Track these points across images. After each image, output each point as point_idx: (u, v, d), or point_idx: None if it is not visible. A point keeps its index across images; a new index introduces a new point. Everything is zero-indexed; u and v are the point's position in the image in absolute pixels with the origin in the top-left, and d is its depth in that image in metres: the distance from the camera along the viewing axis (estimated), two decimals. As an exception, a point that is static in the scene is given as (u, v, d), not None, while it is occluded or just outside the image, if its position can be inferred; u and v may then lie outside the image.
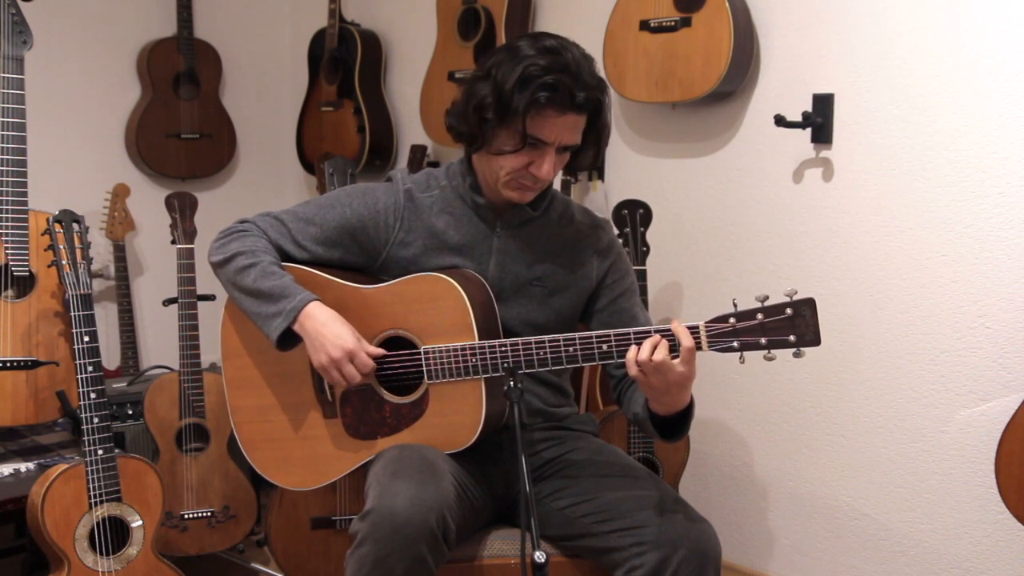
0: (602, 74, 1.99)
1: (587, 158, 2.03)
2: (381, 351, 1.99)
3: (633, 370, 1.80)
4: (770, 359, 1.78)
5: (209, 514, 2.89)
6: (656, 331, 1.81)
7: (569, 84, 1.87)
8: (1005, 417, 2.16)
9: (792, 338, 1.76)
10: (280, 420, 2.10)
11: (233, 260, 2.03)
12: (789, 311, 1.76)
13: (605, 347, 1.85)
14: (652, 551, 1.86)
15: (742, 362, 1.82)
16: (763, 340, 1.77)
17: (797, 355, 1.76)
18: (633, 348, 1.80)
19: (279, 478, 2.13)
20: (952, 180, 2.46)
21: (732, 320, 1.78)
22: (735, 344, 1.78)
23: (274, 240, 2.08)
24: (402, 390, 2.01)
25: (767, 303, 1.77)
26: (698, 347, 1.80)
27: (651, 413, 1.95)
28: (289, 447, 2.10)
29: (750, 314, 1.77)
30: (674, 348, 1.79)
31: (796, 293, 1.76)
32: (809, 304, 1.75)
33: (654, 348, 1.78)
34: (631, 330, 1.84)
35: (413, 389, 2.00)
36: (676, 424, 1.95)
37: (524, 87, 1.88)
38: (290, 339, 1.98)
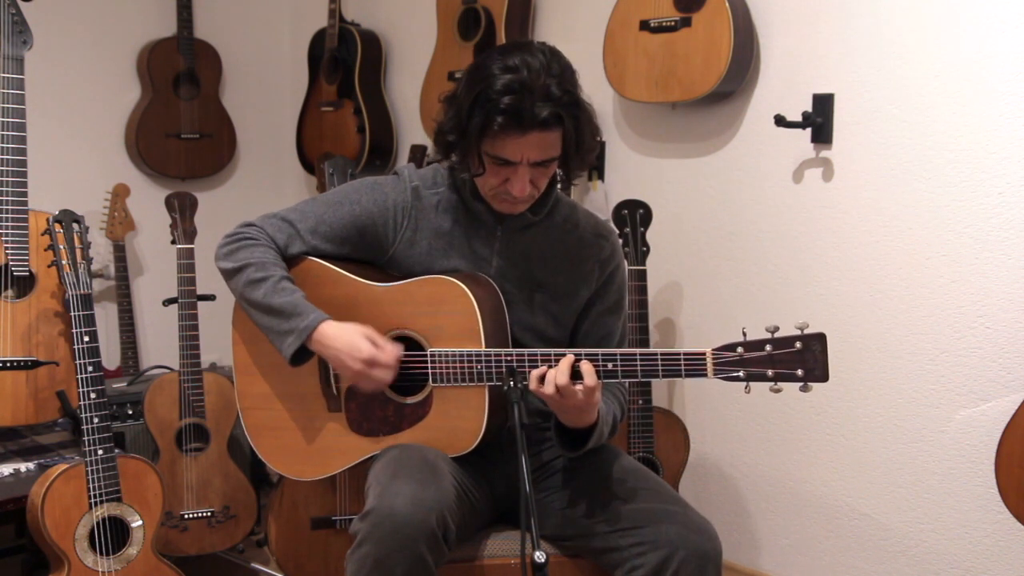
0: (583, 80, 1.93)
1: (575, 166, 1.97)
2: (399, 349, 1.96)
3: (550, 390, 1.82)
4: (776, 391, 1.77)
5: (209, 514, 2.89)
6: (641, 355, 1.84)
7: (528, 104, 1.81)
8: (1005, 417, 2.16)
9: (800, 372, 1.74)
10: (286, 409, 2.11)
11: (243, 271, 2.01)
12: (799, 344, 1.74)
13: (610, 366, 1.85)
14: (652, 551, 1.86)
15: (747, 392, 1.79)
16: (770, 372, 1.76)
17: (804, 389, 1.75)
18: (548, 370, 1.84)
19: (280, 466, 2.14)
20: (952, 180, 2.46)
21: (740, 349, 1.76)
22: (741, 374, 1.77)
23: (282, 244, 2.06)
24: (407, 390, 2.01)
25: (777, 334, 1.75)
26: (703, 374, 1.79)
27: (559, 426, 1.96)
28: (292, 436, 2.10)
29: (758, 344, 1.75)
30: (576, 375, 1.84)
31: (807, 326, 1.74)
32: (819, 339, 1.73)
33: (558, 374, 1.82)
34: (637, 351, 1.84)
35: (417, 390, 2.00)
36: (583, 438, 1.95)
37: (479, 112, 1.85)
38: (303, 355, 1.99)
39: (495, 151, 1.88)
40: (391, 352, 1.94)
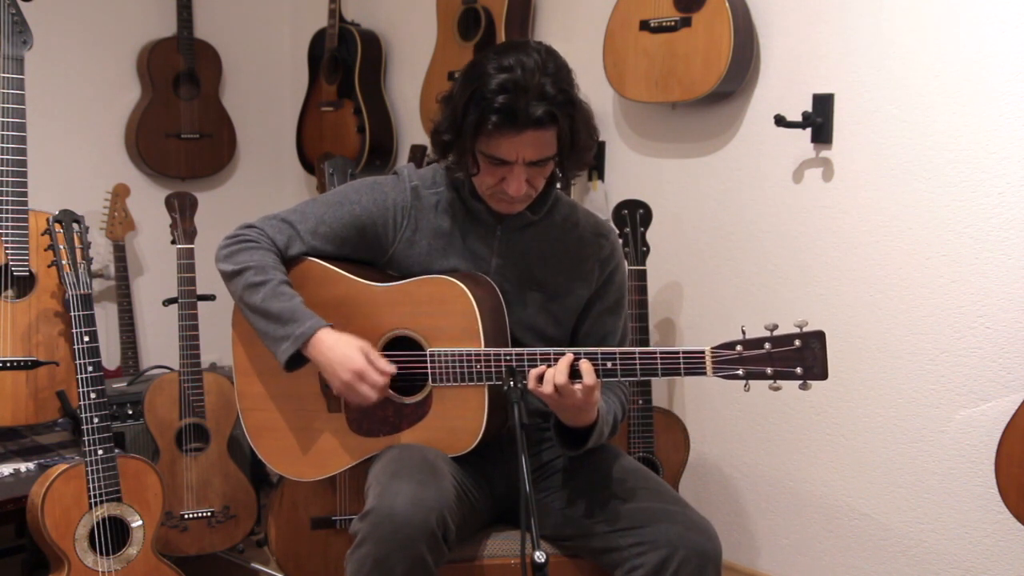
0: (583, 80, 1.93)
1: (572, 165, 1.97)
2: (392, 368, 1.96)
3: (548, 389, 1.82)
4: (776, 389, 1.77)
5: (209, 514, 2.89)
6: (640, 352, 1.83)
7: (522, 103, 1.81)
8: (1005, 417, 2.16)
9: (799, 370, 1.74)
10: (285, 410, 2.11)
11: (242, 274, 2.01)
12: (798, 342, 1.74)
13: (609, 364, 1.85)
14: (652, 551, 1.87)
15: (747, 390, 1.79)
16: (769, 371, 1.76)
17: (803, 387, 1.75)
18: (547, 369, 1.84)
19: (280, 466, 2.14)
20: (952, 180, 2.46)
21: (739, 348, 1.76)
22: (740, 372, 1.77)
23: (283, 246, 2.06)
24: (406, 390, 2.01)
25: (776, 332, 1.74)
26: (702, 372, 1.79)
27: (559, 425, 1.96)
28: (292, 437, 2.11)
29: (757, 343, 1.75)
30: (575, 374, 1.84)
31: (806, 324, 1.74)
32: (818, 337, 1.73)
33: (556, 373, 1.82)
34: (636, 349, 1.84)
35: (417, 390, 2.00)
36: (583, 437, 1.95)
37: (473, 111, 1.85)
38: (298, 362, 1.99)
39: (490, 150, 1.88)
40: (384, 369, 1.93)
